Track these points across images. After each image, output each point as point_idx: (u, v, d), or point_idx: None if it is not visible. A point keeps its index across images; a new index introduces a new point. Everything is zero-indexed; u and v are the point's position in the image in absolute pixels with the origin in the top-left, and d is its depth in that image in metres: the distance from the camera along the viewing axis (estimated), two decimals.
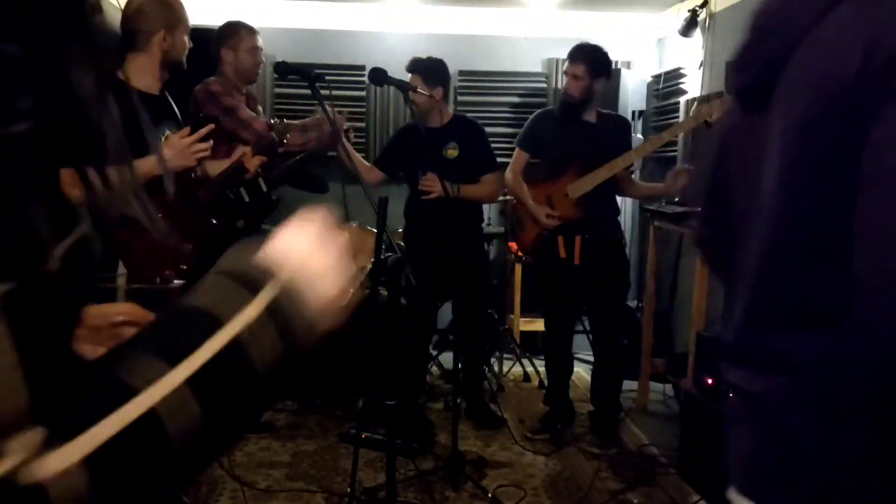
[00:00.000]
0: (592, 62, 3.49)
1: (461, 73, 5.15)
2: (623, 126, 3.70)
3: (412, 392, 3.83)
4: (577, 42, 3.66)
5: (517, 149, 3.75)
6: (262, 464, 3.31)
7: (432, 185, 3.57)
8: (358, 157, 3.77)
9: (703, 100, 4.23)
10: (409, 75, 3.63)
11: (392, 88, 4.17)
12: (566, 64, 3.56)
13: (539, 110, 3.90)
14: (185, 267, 2.40)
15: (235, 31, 3.37)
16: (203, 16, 4.85)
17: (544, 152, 3.68)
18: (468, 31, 5.25)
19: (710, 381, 3.08)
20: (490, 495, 3.02)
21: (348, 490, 2.79)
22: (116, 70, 4.31)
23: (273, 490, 3.07)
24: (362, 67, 5.14)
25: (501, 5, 5.20)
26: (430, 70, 3.65)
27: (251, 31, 3.40)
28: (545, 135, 3.65)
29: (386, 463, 2.63)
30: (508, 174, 3.73)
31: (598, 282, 3.58)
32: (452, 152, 3.70)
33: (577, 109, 3.54)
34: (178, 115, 2.72)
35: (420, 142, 3.59)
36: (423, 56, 3.71)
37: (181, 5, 2.61)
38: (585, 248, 3.52)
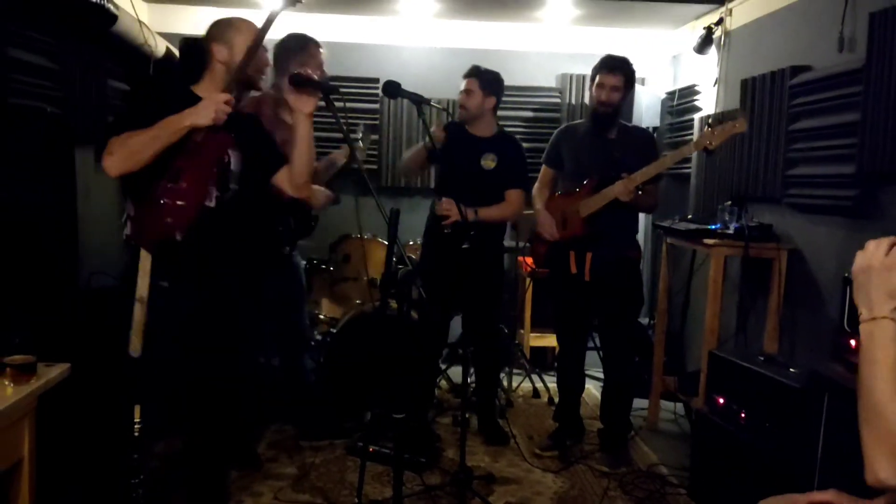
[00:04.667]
0: (628, 73, 3.48)
1: None
2: (644, 141, 3.59)
3: (421, 406, 3.82)
4: (592, 57, 3.65)
5: (543, 165, 3.76)
6: (268, 475, 3.29)
7: (449, 209, 3.55)
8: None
9: (717, 119, 4.22)
10: (464, 80, 3.68)
11: (406, 102, 4.17)
12: (600, 75, 3.47)
13: (562, 125, 3.91)
14: None
15: (304, 46, 3.37)
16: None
17: (564, 167, 3.66)
18: (482, 46, 5.26)
19: (721, 400, 3.04)
20: None
21: (355, 503, 2.77)
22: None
23: (279, 501, 3.05)
24: (376, 80, 5.17)
25: (516, 20, 5.21)
26: (488, 77, 3.68)
27: (318, 45, 3.40)
28: (566, 150, 3.64)
29: (393, 477, 2.62)
30: (535, 187, 3.75)
31: (608, 299, 3.55)
32: (490, 163, 3.67)
33: (607, 122, 3.51)
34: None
35: (462, 143, 3.62)
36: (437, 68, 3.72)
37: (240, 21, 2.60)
38: (596, 265, 3.49)
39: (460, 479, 3.10)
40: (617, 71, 3.44)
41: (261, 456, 3.46)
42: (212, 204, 2.43)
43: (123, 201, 2.49)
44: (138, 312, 2.37)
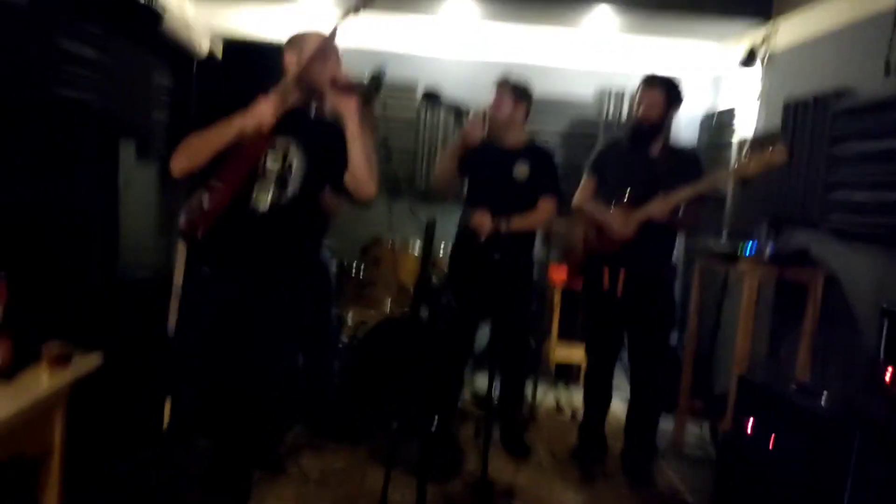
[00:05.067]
0: (669, 90, 3.44)
1: None
2: (689, 162, 3.51)
3: (446, 415, 3.81)
4: (631, 75, 3.62)
5: (585, 174, 3.72)
6: (290, 478, 3.30)
7: (482, 223, 3.53)
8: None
9: (757, 142, 4.17)
10: (496, 88, 3.66)
11: (443, 112, 4.17)
12: (640, 90, 3.47)
13: (610, 138, 3.86)
14: None
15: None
16: (258, 29, 4.97)
17: (605, 180, 3.62)
18: (520, 60, 5.27)
19: (749, 425, 2.99)
20: None
21: None
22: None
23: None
24: (413, 89, 5.20)
25: (557, 24, 5.14)
26: (520, 86, 3.67)
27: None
28: (609, 162, 3.61)
29: (416, 486, 2.60)
30: (576, 197, 3.70)
31: (639, 317, 3.52)
32: (523, 172, 3.63)
33: (647, 138, 3.48)
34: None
35: (493, 153, 3.59)
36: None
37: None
38: (629, 282, 3.46)
39: (481, 491, 3.10)
40: (657, 87, 3.42)
41: (283, 457, 3.47)
42: (262, 208, 2.48)
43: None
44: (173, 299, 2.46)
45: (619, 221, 3.45)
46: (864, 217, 3.22)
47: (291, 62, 2.58)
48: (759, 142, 4.15)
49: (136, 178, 4.06)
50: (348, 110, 2.53)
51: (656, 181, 3.37)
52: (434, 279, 4.14)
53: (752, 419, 3.01)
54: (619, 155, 3.58)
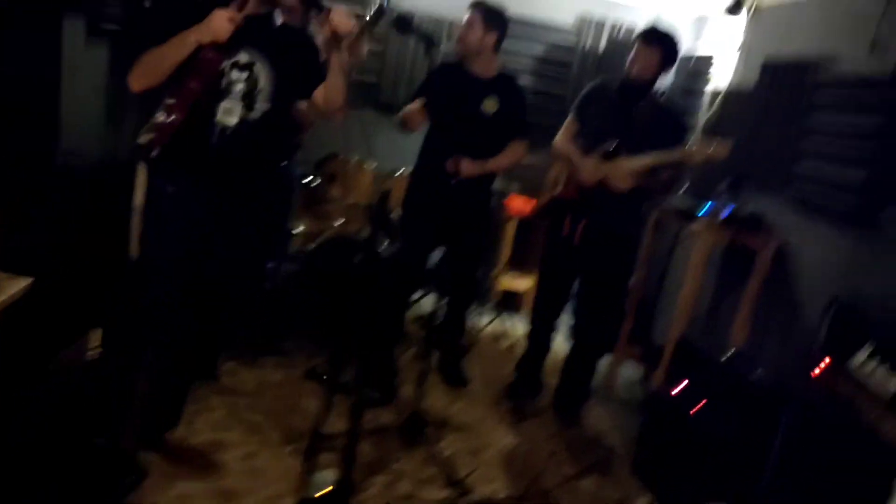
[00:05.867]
0: (667, 49, 3.29)
1: None
2: (673, 126, 3.41)
3: (388, 340, 3.79)
4: (614, 4, 3.44)
5: (570, 115, 3.58)
6: (223, 389, 3.27)
7: (456, 167, 3.37)
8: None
9: (707, 129, 4.08)
10: (467, 12, 3.47)
11: (412, 41, 3.93)
12: (638, 45, 3.30)
13: (598, 80, 3.68)
14: None
15: None
16: None
17: (586, 125, 3.50)
18: None
19: (680, 385, 3.05)
20: (443, 464, 3.01)
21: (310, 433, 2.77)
22: None
23: (232, 419, 3.04)
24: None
25: None
26: (491, 12, 3.46)
27: None
28: (593, 108, 3.49)
29: (349, 414, 2.58)
30: (558, 137, 3.58)
31: (594, 268, 3.50)
32: (491, 105, 3.48)
33: (636, 96, 3.36)
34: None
35: (460, 84, 3.43)
36: None
37: None
38: (589, 232, 3.42)
39: (413, 423, 3.12)
40: (655, 45, 3.27)
41: (219, 368, 3.43)
42: (230, 125, 2.37)
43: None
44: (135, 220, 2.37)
45: (588, 169, 3.38)
46: (828, 190, 3.20)
47: None
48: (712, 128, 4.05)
49: (85, 59, 3.79)
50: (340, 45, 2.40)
51: (635, 139, 3.28)
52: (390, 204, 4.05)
53: (684, 379, 3.07)
54: (605, 103, 3.46)
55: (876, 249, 2.90)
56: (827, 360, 2.35)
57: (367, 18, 2.43)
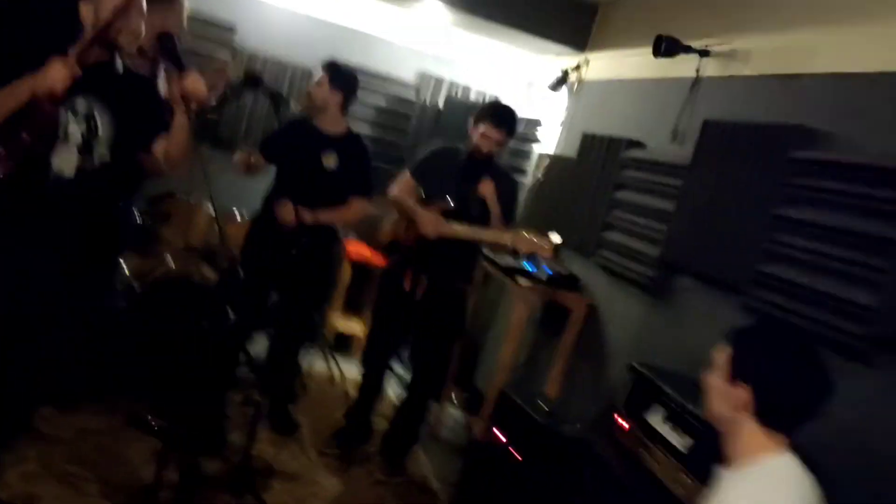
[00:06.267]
0: (511, 129, 3.56)
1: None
2: (507, 193, 3.64)
3: (219, 385, 3.74)
4: (454, 63, 3.67)
5: (409, 174, 3.72)
6: (37, 437, 3.10)
7: (285, 214, 3.47)
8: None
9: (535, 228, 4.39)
10: (321, 68, 3.60)
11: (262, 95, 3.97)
12: (485, 124, 3.50)
13: (440, 145, 3.87)
14: None
15: None
16: None
17: (428, 186, 3.66)
18: (349, 24, 5.19)
19: (502, 437, 3.28)
20: None
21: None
22: None
23: (45, 472, 2.90)
24: (231, 28, 4.96)
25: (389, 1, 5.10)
26: (341, 72, 3.62)
27: None
28: (434, 171, 3.67)
29: (180, 462, 2.55)
30: (395, 189, 3.70)
31: (431, 323, 3.67)
32: (329, 161, 3.60)
33: (479, 168, 3.58)
34: None
35: (305, 137, 3.53)
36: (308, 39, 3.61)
37: None
38: (429, 290, 3.58)
39: (240, 473, 3.12)
40: (503, 127, 3.52)
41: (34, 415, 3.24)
42: (68, 174, 2.31)
43: None
44: None
45: (430, 221, 3.54)
46: (629, 262, 3.60)
47: (88, 16, 2.35)
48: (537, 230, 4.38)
49: None
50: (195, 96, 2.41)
51: (472, 207, 3.52)
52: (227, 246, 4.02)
53: (504, 430, 3.31)
54: (447, 168, 3.66)
55: (667, 317, 3.30)
56: (625, 418, 2.65)
57: (233, 88, 2.46)
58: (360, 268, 5.20)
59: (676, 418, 2.54)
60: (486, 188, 3.56)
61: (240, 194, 4.17)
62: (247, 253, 3.76)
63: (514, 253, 3.59)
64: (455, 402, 4.58)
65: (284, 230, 3.47)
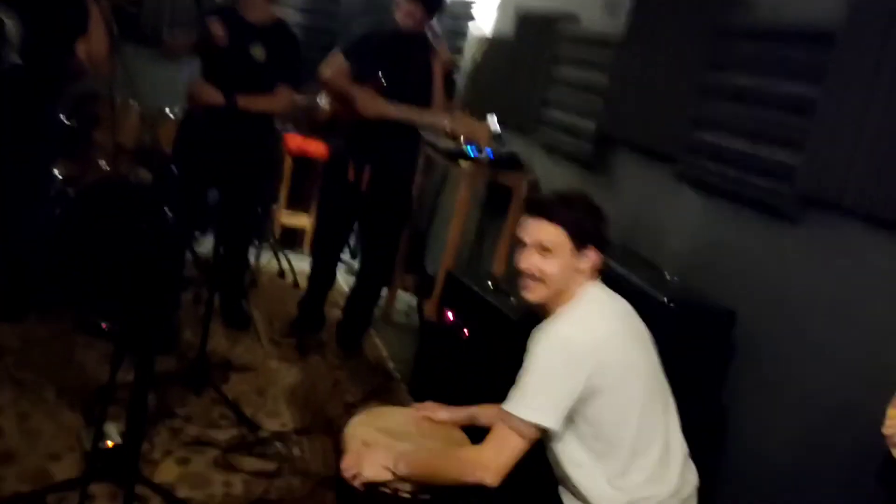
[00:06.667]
0: (430, 4, 3.48)
1: None
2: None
3: (167, 284, 3.74)
4: None
5: (341, 54, 3.61)
6: None
7: (203, 93, 3.41)
8: None
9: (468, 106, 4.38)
10: None
11: None
12: (404, 0, 3.44)
13: (373, 27, 3.85)
14: None
15: None
16: None
17: (360, 68, 3.57)
18: None
19: (450, 315, 3.39)
20: (231, 402, 3.11)
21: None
22: None
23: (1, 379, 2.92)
24: None
25: None
26: None
27: None
28: (367, 53, 3.58)
29: (134, 366, 2.58)
30: (328, 72, 3.60)
31: (378, 210, 3.69)
32: (258, 53, 3.52)
33: (406, 43, 3.53)
34: None
35: (231, 28, 3.41)
36: None
37: None
38: (374, 178, 3.58)
39: (198, 368, 3.17)
40: (419, 2, 3.42)
41: None
42: None
43: None
44: None
45: (367, 100, 3.49)
46: (567, 137, 3.64)
47: None
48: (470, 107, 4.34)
49: None
50: None
51: (406, 89, 3.46)
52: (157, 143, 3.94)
53: (453, 308, 3.41)
54: (378, 48, 3.59)
55: (605, 189, 3.38)
56: None
57: None
58: (302, 161, 5.15)
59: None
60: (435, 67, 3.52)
61: (171, 92, 4.04)
62: (180, 152, 3.68)
63: (454, 137, 3.59)
64: (406, 287, 4.67)
65: (216, 118, 3.40)
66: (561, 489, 1.90)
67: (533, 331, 1.83)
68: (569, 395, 1.71)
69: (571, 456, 1.81)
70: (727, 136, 2.60)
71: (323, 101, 3.76)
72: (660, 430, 1.82)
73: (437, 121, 3.49)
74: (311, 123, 4.55)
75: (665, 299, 2.44)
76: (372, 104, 3.47)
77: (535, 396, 1.73)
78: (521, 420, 1.72)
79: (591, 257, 1.84)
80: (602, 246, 1.87)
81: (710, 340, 2.49)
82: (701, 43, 2.74)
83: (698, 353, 2.47)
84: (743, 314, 2.43)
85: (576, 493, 1.83)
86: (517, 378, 1.78)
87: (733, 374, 2.48)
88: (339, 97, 3.62)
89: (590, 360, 1.71)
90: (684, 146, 2.78)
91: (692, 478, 1.90)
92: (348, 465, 1.88)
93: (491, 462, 1.74)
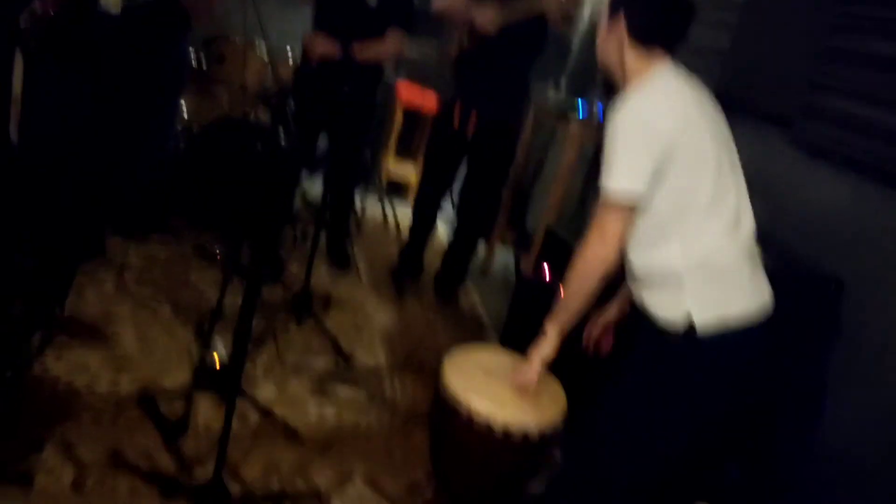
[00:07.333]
0: None
1: None
2: None
3: (278, 222, 3.91)
4: None
5: None
6: (111, 264, 3.34)
7: (322, 48, 3.47)
8: None
9: None
10: None
11: None
12: None
13: None
14: None
15: None
16: None
17: None
18: None
19: (547, 273, 3.39)
20: (330, 333, 3.25)
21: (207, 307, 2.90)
22: None
23: (121, 293, 3.15)
24: None
25: None
26: None
27: None
28: None
29: (244, 291, 2.73)
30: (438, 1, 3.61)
31: (481, 159, 3.72)
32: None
33: None
34: None
35: None
36: None
37: None
38: (479, 124, 3.59)
39: (301, 299, 3.32)
40: None
41: (105, 244, 3.48)
42: (114, 11, 2.37)
43: None
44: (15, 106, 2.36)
45: (484, 14, 3.42)
46: None
47: None
48: None
49: None
50: None
51: None
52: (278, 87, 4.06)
53: (551, 266, 3.41)
54: None
55: None
56: None
57: None
58: (412, 115, 5.22)
59: None
60: None
61: (295, 32, 4.15)
62: (296, 92, 3.80)
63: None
64: (505, 242, 4.69)
65: (329, 68, 3.48)
66: (637, 286, 1.96)
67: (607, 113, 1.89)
68: (648, 156, 1.73)
69: (649, 233, 1.84)
70: (849, 101, 2.46)
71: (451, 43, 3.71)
72: (732, 191, 1.85)
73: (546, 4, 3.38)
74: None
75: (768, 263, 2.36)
76: (492, 16, 3.40)
77: (619, 166, 1.75)
78: (613, 191, 1.76)
79: (620, 27, 1.86)
80: (634, 13, 1.85)
81: (816, 310, 2.40)
82: (827, 4, 2.60)
83: (802, 322, 2.39)
84: (852, 285, 2.32)
85: (649, 276, 1.88)
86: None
87: (838, 348, 2.39)
88: (457, 21, 3.57)
89: (663, 122, 1.74)
90: (803, 110, 2.65)
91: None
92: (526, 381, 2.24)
93: (599, 245, 1.87)
